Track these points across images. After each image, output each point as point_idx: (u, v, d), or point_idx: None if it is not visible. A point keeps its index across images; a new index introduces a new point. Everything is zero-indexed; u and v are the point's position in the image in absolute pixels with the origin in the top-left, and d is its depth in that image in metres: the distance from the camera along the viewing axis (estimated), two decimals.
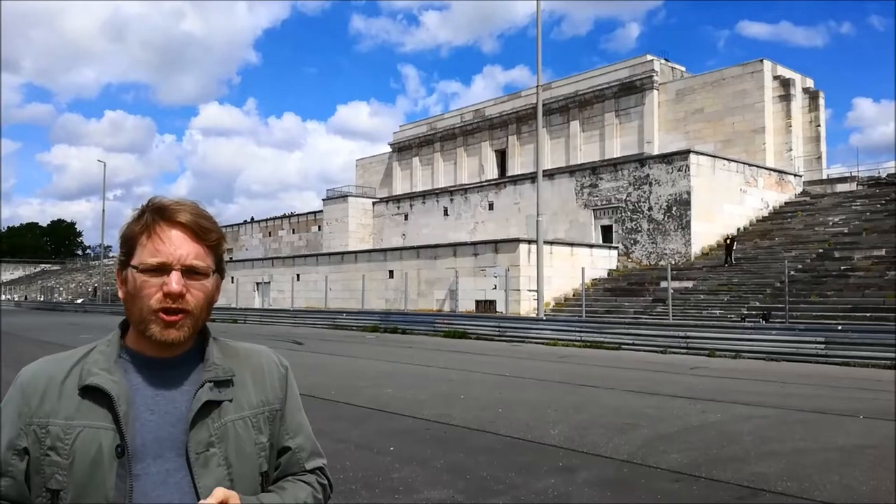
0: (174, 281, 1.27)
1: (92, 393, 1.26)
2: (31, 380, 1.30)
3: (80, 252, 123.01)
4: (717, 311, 23.73)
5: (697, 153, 33.12)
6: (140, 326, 1.29)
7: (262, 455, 1.35)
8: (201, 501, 1.21)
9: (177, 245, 1.29)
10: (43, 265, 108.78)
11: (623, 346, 19.46)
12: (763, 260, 28.03)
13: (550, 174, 37.82)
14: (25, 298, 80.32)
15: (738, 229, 33.31)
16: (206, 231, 1.33)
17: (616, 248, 33.83)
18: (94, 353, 1.33)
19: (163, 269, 1.28)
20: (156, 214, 1.31)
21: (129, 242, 1.31)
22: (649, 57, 45.26)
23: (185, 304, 1.28)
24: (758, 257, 28.65)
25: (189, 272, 1.29)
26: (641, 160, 35.44)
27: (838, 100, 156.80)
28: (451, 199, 45.19)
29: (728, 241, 28.35)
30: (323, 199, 55.73)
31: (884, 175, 37.22)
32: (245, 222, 67.06)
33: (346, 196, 53.56)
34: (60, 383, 1.28)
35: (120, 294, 1.34)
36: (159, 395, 1.30)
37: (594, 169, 37.06)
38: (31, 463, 1.24)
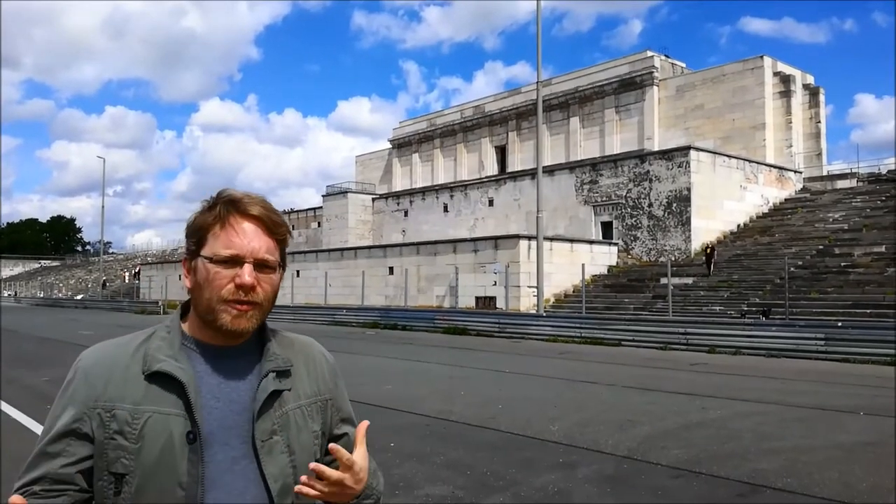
0: (247, 274, 1.28)
1: (160, 379, 1.27)
2: (94, 364, 1.31)
3: (79, 248, 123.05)
4: (718, 308, 23.73)
5: (698, 149, 33.09)
6: (209, 316, 1.30)
7: (317, 443, 1.38)
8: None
9: (250, 238, 1.30)
10: (43, 261, 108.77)
11: (623, 343, 19.46)
12: (763, 256, 28.03)
13: (550, 170, 37.78)
14: (16, 294, 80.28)
15: (738, 226, 33.35)
16: (277, 225, 1.34)
17: (616, 244, 33.83)
18: (156, 339, 1.33)
19: (235, 261, 1.29)
20: (229, 206, 1.31)
21: (200, 232, 1.32)
22: (649, 53, 45.22)
23: (255, 297, 1.30)
24: (758, 254, 28.64)
25: (260, 265, 1.30)
26: (641, 156, 35.42)
27: (840, 96, 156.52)
28: (451, 196, 45.16)
29: (708, 251, 27.78)
30: (322, 196, 55.70)
31: (884, 171, 37.22)
32: None
33: (346, 192, 53.50)
34: (125, 368, 1.29)
35: (187, 283, 1.35)
36: (223, 384, 1.31)
37: (594, 165, 37.03)
38: (96, 447, 1.25)
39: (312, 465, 1.23)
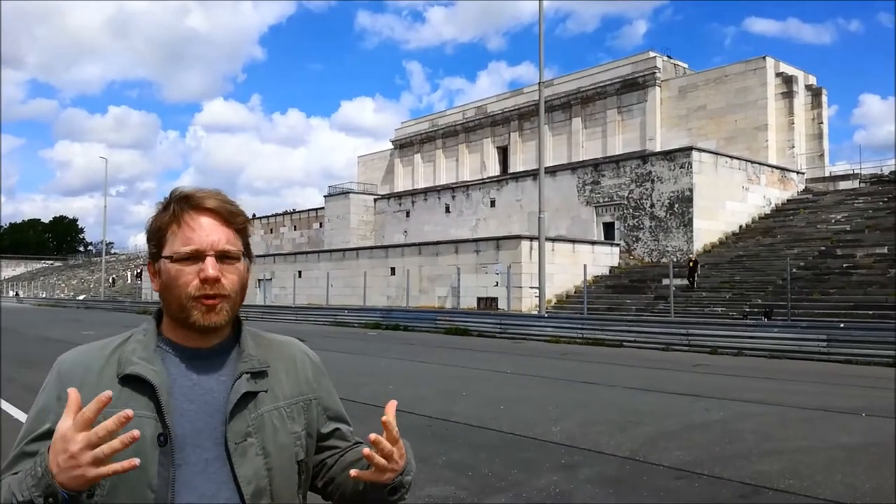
0: (210, 266, 1.28)
1: (132, 382, 1.27)
2: (69, 368, 1.31)
3: (82, 248, 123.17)
4: (720, 309, 23.71)
5: (700, 150, 33.07)
6: (180, 315, 1.30)
7: (298, 444, 1.38)
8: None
9: (208, 231, 1.30)
10: (45, 261, 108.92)
11: (625, 343, 19.44)
12: (765, 257, 27.99)
13: (552, 171, 37.77)
14: (18, 295, 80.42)
15: (740, 227, 33.33)
16: (233, 215, 1.34)
17: (618, 245, 33.80)
18: (131, 342, 1.33)
19: (197, 257, 1.29)
20: (183, 203, 1.31)
21: (159, 234, 1.32)
22: (652, 54, 45.20)
23: (221, 289, 1.30)
24: (760, 255, 28.61)
25: (222, 257, 1.30)
26: (644, 157, 35.41)
27: (845, 97, 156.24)
28: (453, 196, 45.16)
29: (691, 264, 27.31)
30: (325, 196, 55.74)
31: (887, 172, 37.16)
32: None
33: (348, 193, 53.54)
34: (99, 372, 1.29)
35: (154, 286, 1.35)
36: (197, 385, 1.31)
37: (596, 166, 37.01)
38: None
39: (372, 436, 1.28)
